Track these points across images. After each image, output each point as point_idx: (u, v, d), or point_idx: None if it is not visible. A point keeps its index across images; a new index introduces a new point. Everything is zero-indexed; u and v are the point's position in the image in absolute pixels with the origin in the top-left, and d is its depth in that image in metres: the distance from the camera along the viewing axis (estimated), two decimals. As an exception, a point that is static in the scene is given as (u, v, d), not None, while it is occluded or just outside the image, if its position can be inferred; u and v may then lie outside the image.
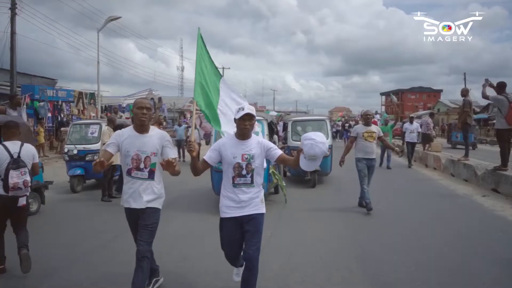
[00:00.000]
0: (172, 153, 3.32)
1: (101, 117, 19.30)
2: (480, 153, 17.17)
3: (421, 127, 14.81)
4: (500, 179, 8.23)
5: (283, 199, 7.51)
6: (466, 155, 10.50)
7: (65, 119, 19.00)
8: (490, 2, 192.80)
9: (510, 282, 3.92)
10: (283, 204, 7.32)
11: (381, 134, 7.16)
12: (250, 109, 3.07)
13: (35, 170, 4.32)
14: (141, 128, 3.32)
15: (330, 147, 9.41)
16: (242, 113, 3.03)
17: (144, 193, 3.26)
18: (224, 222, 3.20)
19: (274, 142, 8.34)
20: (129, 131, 3.36)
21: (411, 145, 13.61)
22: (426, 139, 15.17)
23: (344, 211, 7.02)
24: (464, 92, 10.21)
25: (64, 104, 19.69)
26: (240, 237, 3.18)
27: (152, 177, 3.29)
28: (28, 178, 4.08)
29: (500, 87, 8.03)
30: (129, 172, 3.28)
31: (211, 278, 3.97)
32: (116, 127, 7.56)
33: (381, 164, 12.92)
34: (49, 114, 18.02)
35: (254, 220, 3.14)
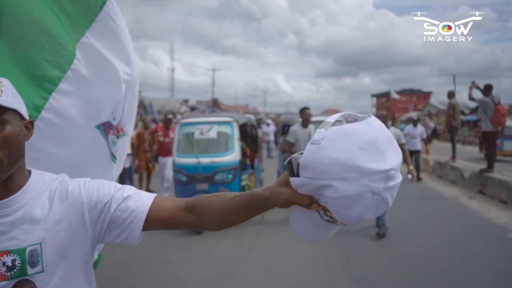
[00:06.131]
0: None
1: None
2: (466, 154, 17.33)
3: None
4: (486, 181, 8.30)
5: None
6: (454, 157, 10.58)
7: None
8: (479, 4, 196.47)
9: (497, 285, 3.93)
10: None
11: (403, 141, 5.72)
12: None
13: None
14: None
15: None
16: None
17: None
18: None
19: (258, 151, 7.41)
20: None
21: (414, 153, 10.80)
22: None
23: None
24: (449, 95, 10.31)
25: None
26: None
27: None
28: None
29: (487, 89, 8.09)
30: None
31: (194, 282, 3.91)
32: None
33: None
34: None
35: None
